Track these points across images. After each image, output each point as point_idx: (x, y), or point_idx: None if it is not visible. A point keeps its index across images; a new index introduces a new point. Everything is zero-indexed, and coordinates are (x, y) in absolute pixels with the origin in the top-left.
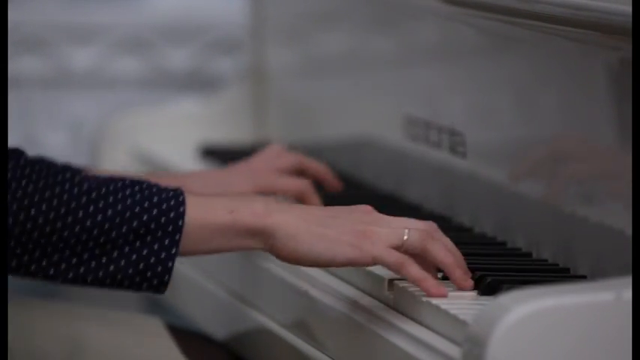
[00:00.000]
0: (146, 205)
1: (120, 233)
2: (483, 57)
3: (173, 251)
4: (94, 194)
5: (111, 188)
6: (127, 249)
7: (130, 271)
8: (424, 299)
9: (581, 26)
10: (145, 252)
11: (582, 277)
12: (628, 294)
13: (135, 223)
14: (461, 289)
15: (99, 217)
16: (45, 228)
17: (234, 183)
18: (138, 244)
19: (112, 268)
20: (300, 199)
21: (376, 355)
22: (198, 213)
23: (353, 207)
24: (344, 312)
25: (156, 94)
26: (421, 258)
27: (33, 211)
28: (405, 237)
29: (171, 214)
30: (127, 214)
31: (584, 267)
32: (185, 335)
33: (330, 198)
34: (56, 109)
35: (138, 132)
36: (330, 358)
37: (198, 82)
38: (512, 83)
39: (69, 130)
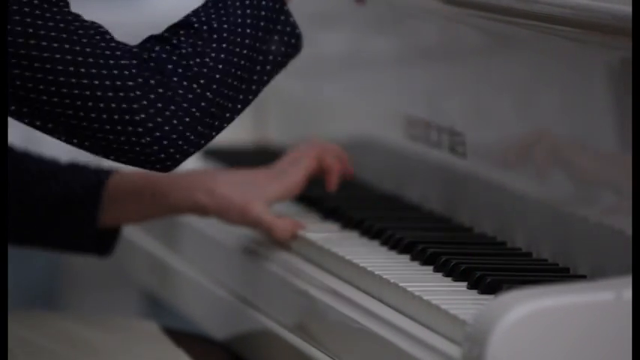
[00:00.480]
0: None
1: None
2: (483, 57)
3: (297, 31)
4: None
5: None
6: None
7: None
8: (424, 298)
9: (580, 26)
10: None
11: (582, 277)
12: (628, 294)
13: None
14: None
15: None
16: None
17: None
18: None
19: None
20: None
21: (376, 355)
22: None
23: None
24: (344, 312)
25: None
26: None
27: None
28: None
29: (277, 5)
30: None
31: (584, 267)
32: (185, 336)
33: (329, 198)
34: None
35: None
36: (330, 358)
37: None
38: (511, 83)
39: None
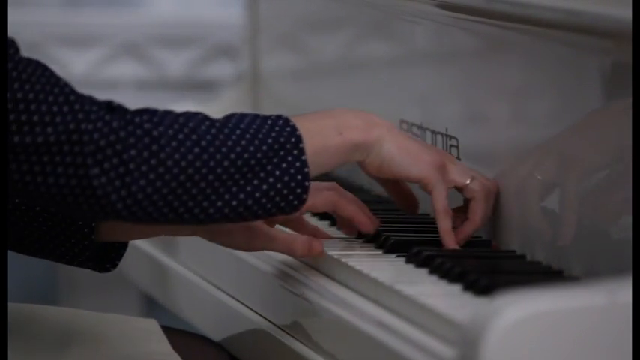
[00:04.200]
0: (267, 137)
1: (257, 159)
2: (477, 61)
3: (306, 170)
4: (225, 130)
5: (232, 121)
6: (262, 174)
7: (272, 193)
8: (419, 300)
9: (574, 30)
10: (278, 173)
11: (575, 279)
12: (623, 295)
13: (264, 149)
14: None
15: (237, 149)
16: (187, 170)
17: None
18: (270, 167)
19: (257, 194)
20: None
21: (371, 357)
22: (313, 139)
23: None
24: (339, 313)
25: (153, 99)
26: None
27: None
28: (468, 182)
29: (292, 139)
30: (256, 141)
31: (578, 268)
32: (182, 336)
33: None
34: None
35: None
36: (325, 359)
37: (195, 87)
38: (505, 87)
39: None
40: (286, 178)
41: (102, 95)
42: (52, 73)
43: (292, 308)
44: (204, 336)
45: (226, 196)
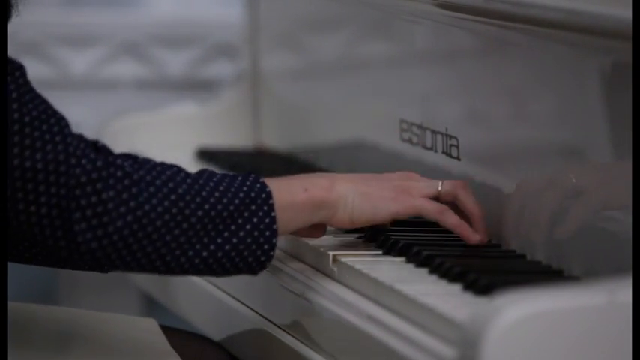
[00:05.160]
0: (239, 191)
1: (229, 211)
2: (477, 61)
3: (274, 227)
4: (200, 181)
5: (205, 175)
6: (233, 227)
7: (241, 247)
8: (419, 299)
9: (574, 30)
10: (248, 227)
11: (575, 279)
12: (623, 295)
13: (236, 202)
14: (479, 240)
15: (211, 200)
16: (163, 216)
17: None
18: (240, 221)
19: (227, 246)
20: None
21: (371, 357)
22: (281, 194)
23: (391, 174)
24: (339, 313)
25: (153, 98)
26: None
27: (148, 207)
28: (440, 188)
29: (262, 195)
30: (229, 194)
31: (578, 268)
32: (182, 336)
33: None
34: None
35: (135, 135)
36: (326, 359)
37: (195, 86)
38: (505, 87)
39: None
40: (256, 233)
41: (102, 95)
42: (51, 106)
43: (292, 308)
44: (204, 335)
45: (197, 246)
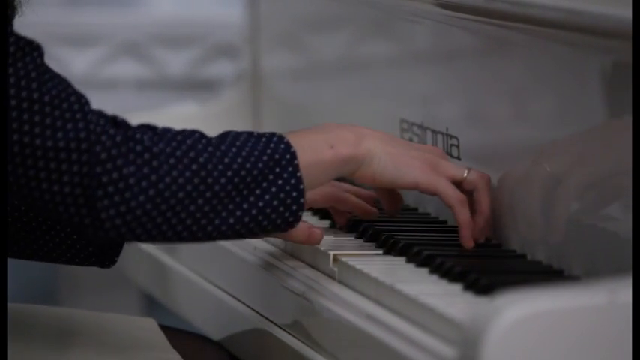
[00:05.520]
0: (262, 154)
1: (253, 176)
2: (478, 61)
3: (301, 187)
4: (222, 147)
5: (228, 139)
6: (258, 191)
7: (268, 210)
8: (420, 299)
9: (574, 30)
10: (274, 190)
11: (576, 278)
12: (623, 295)
13: (260, 165)
14: (470, 247)
15: (234, 167)
16: (186, 187)
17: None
18: (265, 184)
19: (253, 211)
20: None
21: (371, 356)
22: (305, 153)
23: (420, 144)
24: (340, 313)
25: (154, 98)
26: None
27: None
28: (465, 174)
29: (287, 156)
30: (252, 158)
31: (578, 268)
32: (182, 335)
33: None
34: None
35: None
36: (326, 359)
37: (196, 86)
38: (506, 87)
39: None
40: (282, 195)
41: (103, 94)
42: (70, 85)
43: (293, 307)
44: (204, 335)
45: (223, 214)
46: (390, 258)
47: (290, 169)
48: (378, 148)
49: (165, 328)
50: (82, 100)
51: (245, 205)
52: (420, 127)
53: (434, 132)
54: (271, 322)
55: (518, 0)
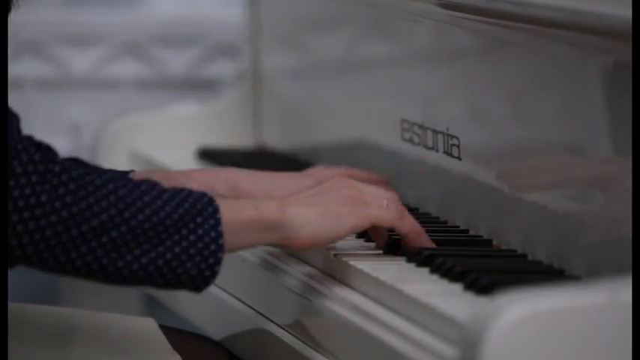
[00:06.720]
0: (184, 202)
1: (173, 220)
2: (479, 61)
3: (221, 241)
4: (142, 187)
5: (152, 184)
6: (176, 237)
7: (184, 257)
8: (420, 299)
9: (575, 30)
10: (192, 238)
11: (577, 278)
12: (623, 295)
13: (181, 211)
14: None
15: (153, 206)
16: (98, 225)
17: (283, 183)
18: (185, 231)
19: (168, 255)
20: None
21: (372, 356)
22: (229, 210)
23: (326, 183)
24: (341, 313)
25: (154, 98)
26: None
27: (80, 210)
28: (385, 206)
29: (210, 208)
30: (173, 203)
31: (579, 268)
32: (182, 335)
33: None
34: (55, 112)
35: (136, 135)
36: (327, 358)
37: (196, 86)
38: (507, 87)
39: (68, 133)
40: (200, 245)
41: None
42: (8, 107)
43: (293, 307)
44: (204, 335)
45: (136, 252)
46: (390, 258)
47: (211, 221)
48: (303, 212)
49: (165, 328)
50: (12, 119)
51: (160, 248)
52: (421, 126)
53: (434, 132)
54: (272, 321)
55: (519, 0)
